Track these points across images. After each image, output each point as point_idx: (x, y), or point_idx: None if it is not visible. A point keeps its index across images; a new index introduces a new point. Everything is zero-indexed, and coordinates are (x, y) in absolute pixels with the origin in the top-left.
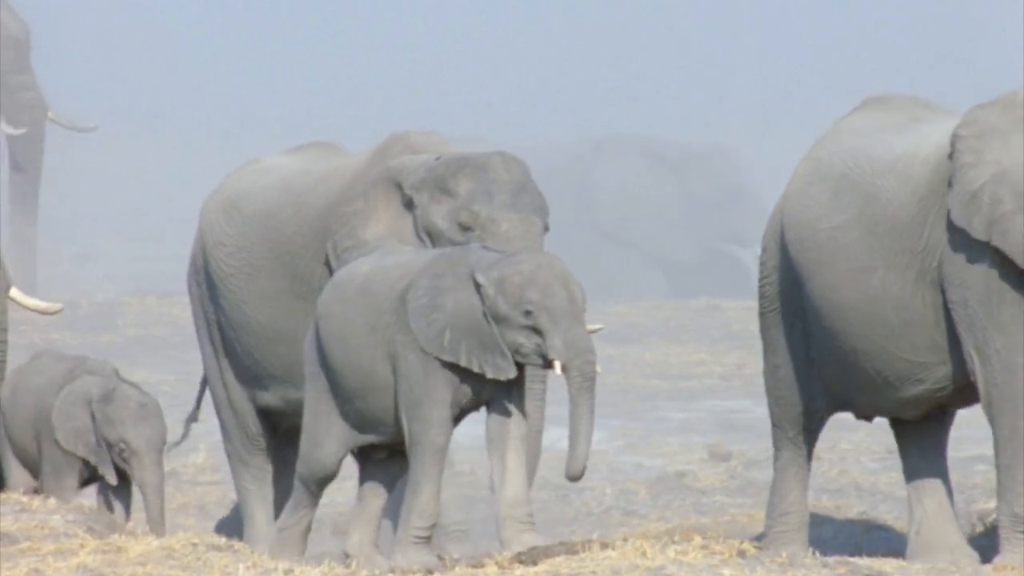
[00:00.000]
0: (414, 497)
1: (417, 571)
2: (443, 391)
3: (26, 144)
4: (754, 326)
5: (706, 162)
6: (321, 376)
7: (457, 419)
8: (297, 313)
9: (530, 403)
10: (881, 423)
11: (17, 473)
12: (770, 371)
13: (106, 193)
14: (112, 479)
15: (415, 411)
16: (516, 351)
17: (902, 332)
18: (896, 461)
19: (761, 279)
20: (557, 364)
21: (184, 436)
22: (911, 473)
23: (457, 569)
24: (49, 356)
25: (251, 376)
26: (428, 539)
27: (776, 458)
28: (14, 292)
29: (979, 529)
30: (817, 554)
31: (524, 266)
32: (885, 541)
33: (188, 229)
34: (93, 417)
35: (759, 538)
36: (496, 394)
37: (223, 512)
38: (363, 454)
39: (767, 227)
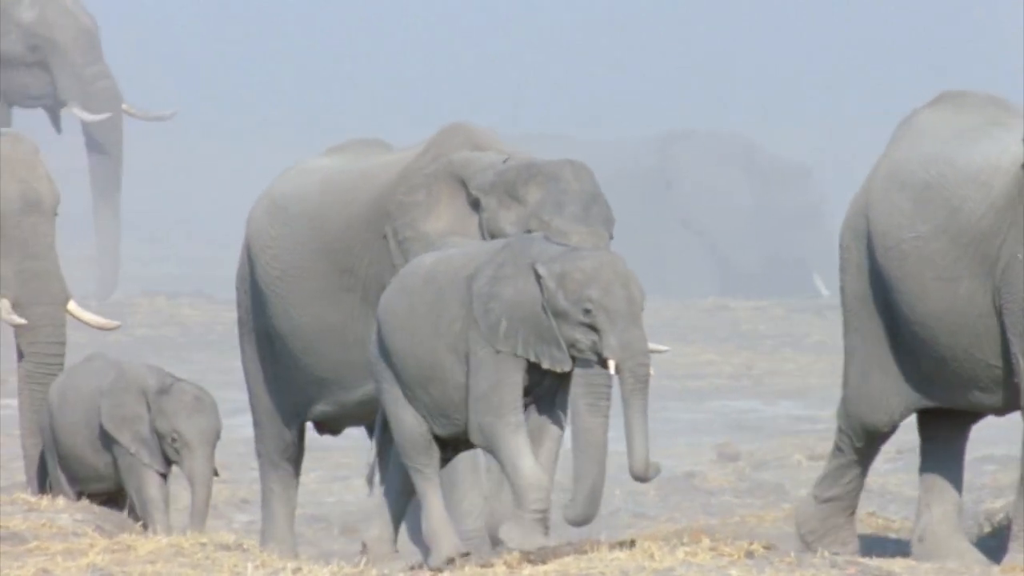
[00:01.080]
0: (517, 475)
1: (524, 551)
2: (514, 375)
3: (106, 131)
4: (763, 326)
5: (789, 176)
6: (386, 368)
7: None
8: (344, 306)
9: (596, 418)
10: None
11: (61, 477)
12: (859, 374)
13: None
14: (160, 468)
15: (485, 402)
16: (572, 346)
17: (988, 339)
18: (905, 462)
19: (842, 279)
20: (611, 363)
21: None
22: (926, 475)
23: (466, 568)
24: (100, 359)
25: (301, 383)
26: (546, 512)
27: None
28: (72, 306)
29: (987, 529)
30: (826, 554)
31: (586, 263)
32: (895, 541)
33: (197, 231)
34: (148, 408)
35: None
36: (547, 389)
37: (232, 511)
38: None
39: (844, 224)
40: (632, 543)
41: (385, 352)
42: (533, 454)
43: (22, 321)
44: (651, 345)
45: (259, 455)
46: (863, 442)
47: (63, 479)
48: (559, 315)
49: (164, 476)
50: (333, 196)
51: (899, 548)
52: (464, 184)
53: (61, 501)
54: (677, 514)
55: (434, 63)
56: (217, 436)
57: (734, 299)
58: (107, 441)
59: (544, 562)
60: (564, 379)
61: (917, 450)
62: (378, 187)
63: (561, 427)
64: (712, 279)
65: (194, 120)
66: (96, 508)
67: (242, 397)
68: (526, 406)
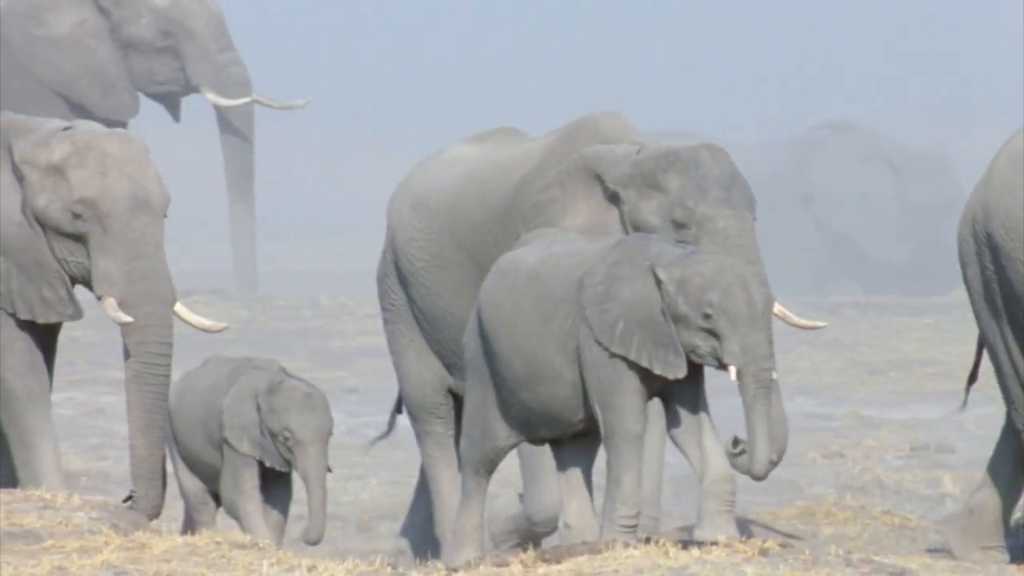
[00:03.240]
0: (616, 487)
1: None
2: (633, 378)
3: (239, 118)
4: (779, 324)
5: (928, 169)
6: (484, 364)
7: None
8: None
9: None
10: (906, 420)
11: (186, 477)
12: (1004, 371)
13: None
14: (282, 467)
15: (607, 401)
16: (692, 351)
17: None
18: (920, 460)
19: (965, 274)
20: (732, 369)
21: (389, 428)
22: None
23: (481, 567)
24: (215, 360)
25: (447, 366)
26: (634, 527)
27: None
28: (179, 308)
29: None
30: (841, 552)
31: (706, 267)
32: (909, 539)
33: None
34: (259, 409)
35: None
36: (674, 385)
37: None
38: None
39: (962, 218)
40: (646, 541)
41: (486, 348)
42: (640, 467)
43: (128, 319)
44: (808, 321)
45: (425, 456)
46: None
47: (185, 481)
48: (679, 320)
49: (266, 473)
50: (470, 188)
51: (914, 546)
52: (599, 178)
53: (77, 499)
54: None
55: (552, 60)
56: (329, 433)
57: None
58: (220, 440)
59: (559, 561)
60: (694, 376)
61: (932, 448)
62: (511, 180)
63: (707, 413)
64: (855, 277)
65: (204, 117)
66: (111, 506)
67: None
68: (655, 397)
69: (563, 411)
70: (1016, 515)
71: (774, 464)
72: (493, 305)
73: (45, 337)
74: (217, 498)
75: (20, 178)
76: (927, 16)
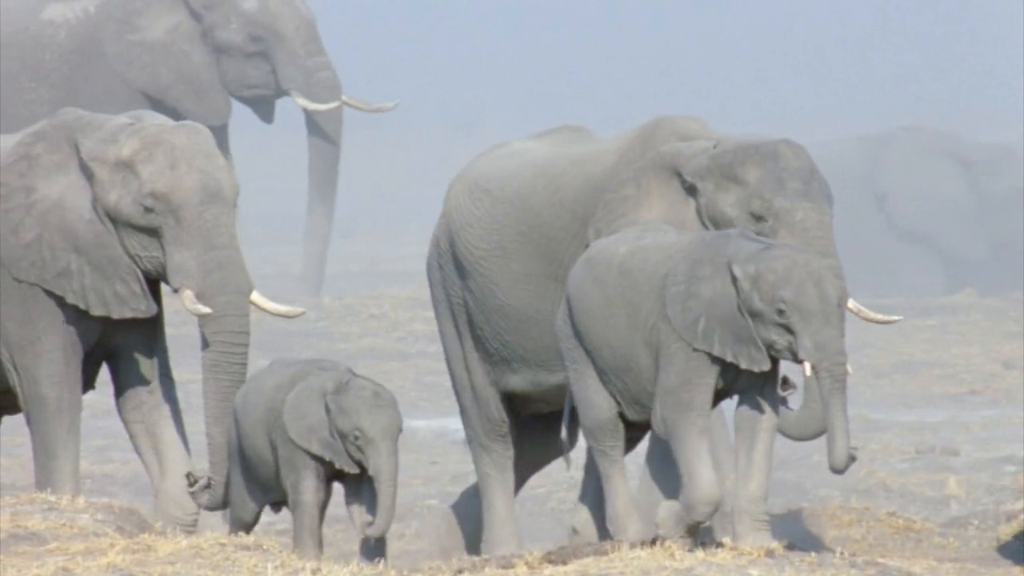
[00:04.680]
0: (689, 484)
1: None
2: (706, 375)
3: (328, 122)
4: None
5: (997, 161)
6: (579, 350)
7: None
8: (552, 295)
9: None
10: (911, 423)
11: (239, 478)
12: None
13: None
14: (352, 469)
15: (673, 397)
16: (769, 347)
17: None
18: (925, 462)
19: None
20: (807, 365)
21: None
22: None
23: (487, 569)
24: (281, 362)
25: (499, 359)
26: (710, 517)
27: None
28: (255, 296)
29: (1008, 530)
30: (846, 554)
31: (779, 263)
32: (914, 542)
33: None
34: (327, 409)
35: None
36: (750, 384)
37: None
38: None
39: None
40: (652, 542)
41: (578, 336)
42: (710, 458)
43: (207, 310)
44: (883, 316)
45: (468, 440)
46: None
47: (245, 486)
48: (755, 316)
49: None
50: (542, 181)
51: (919, 549)
52: (676, 173)
53: (82, 501)
54: None
55: (649, 62)
56: (399, 431)
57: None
58: (282, 441)
59: (564, 562)
60: (768, 374)
61: (938, 450)
62: (587, 177)
63: (773, 420)
64: (933, 278)
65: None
66: (116, 508)
67: None
68: (728, 396)
69: (648, 401)
70: (1021, 516)
71: (853, 459)
72: (583, 295)
73: (140, 336)
74: (275, 507)
75: (89, 175)
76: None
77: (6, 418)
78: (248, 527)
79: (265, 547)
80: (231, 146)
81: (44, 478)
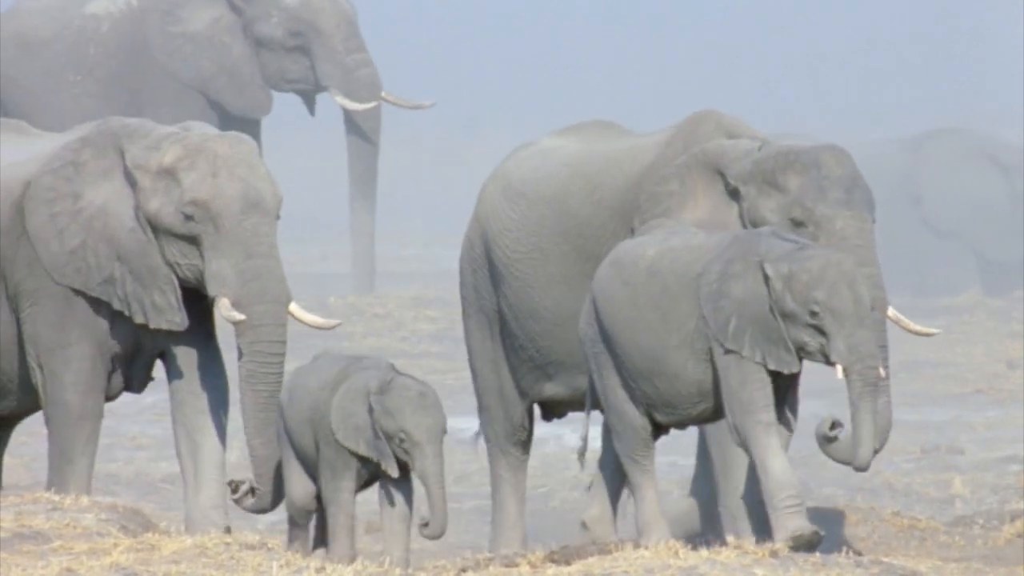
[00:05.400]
0: (766, 475)
1: (793, 539)
2: (759, 371)
3: (367, 119)
4: None
5: None
6: (604, 352)
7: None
8: (587, 293)
9: (881, 399)
10: (916, 422)
11: (296, 477)
12: None
13: None
14: (394, 472)
15: (736, 400)
16: (801, 348)
17: None
18: (930, 461)
19: None
20: (839, 368)
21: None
22: None
23: (491, 568)
24: (326, 357)
25: (533, 367)
26: (800, 506)
27: None
28: (293, 307)
29: (1013, 530)
30: (851, 554)
31: (813, 264)
32: (919, 541)
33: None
34: (371, 409)
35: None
36: (779, 389)
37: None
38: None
39: None
40: (657, 541)
41: (605, 338)
42: (782, 450)
43: (241, 317)
44: (923, 327)
45: (487, 440)
46: None
47: (294, 482)
48: (787, 316)
49: (391, 477)
50: (579, 180)
51: (924, 548)
52: (720, 173)
53: (86, 500)
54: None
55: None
56: (444, 431)
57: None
58: (326, 441)
59: (568, 562)
60: (795, 377)
61: (943, 450)
62: (626, 174)
63: (790, 428)
64: (969, 279)
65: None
66: (120, 507)
67: None
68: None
69: (681, 403)
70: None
71: (875, 453)
72: (609, 297)
73: (189, 339)
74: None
75: (132, 183)
76: None
77: None
78: (307, 513)
79: (270, 546)
80: (263, 141)
81: (57, 481)
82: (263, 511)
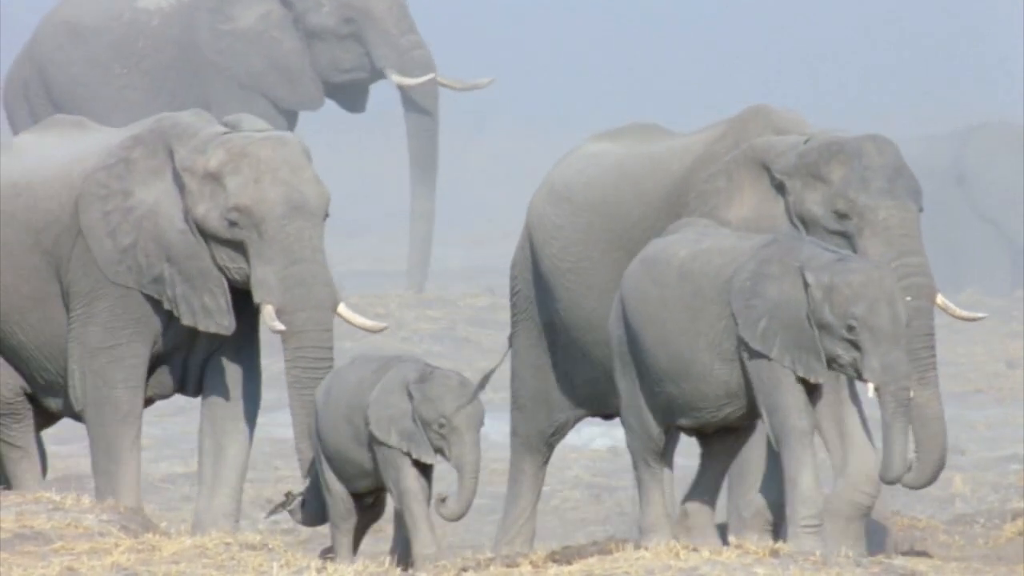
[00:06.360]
0: (793, 488)
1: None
2: (791, 375)
3: (424, 99)
4: None
5: None
6: (628, 353)
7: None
8: None
9: (927, 390)
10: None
11: (331, 483)
12: None
13: None
14: (430, 459)
15: (770, 401)
16: (832, 360)
17: None
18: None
19: None
20: (870, 386)
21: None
22: None
23: (492, 568)
24: (362, 358)
25: (585, 379)
26: (818, 527)
27: None
28: (342, 309)
29: (1014, 529)
30: (851, 554)
31: (855, 278)
32: (919, 540)
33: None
34: (410, 396)
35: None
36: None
37: (257, 511)
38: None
39: None
40: (657, 542)
41: (631, 337)
42: (812, 462)
43: (281, 327)
44: (969, 313)
45: (514, 436)
46: None
47: (332, 479)
48: (822, 327)
49: (428, 467)
50: (625, 184)
51: (924, 547)
52: (767, 169)
53: (87, 500)
54: None
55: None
56: (482, 421)
57: None
58: (369, 436)
59: (569, 562)
60: (817, 387)
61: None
62: (673, 174)
63: (857, 405)
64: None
65: None
66: (121, 507)
67: (267, 396)
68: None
69: (707, 407)
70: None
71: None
72: (638, 296)
73: (233, 345)
74: (358, 498)
75: (181, 185)
76: None
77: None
78: (347, 518)
79: (271, 546)
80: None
81: (104, 483)
82: (313, 524)
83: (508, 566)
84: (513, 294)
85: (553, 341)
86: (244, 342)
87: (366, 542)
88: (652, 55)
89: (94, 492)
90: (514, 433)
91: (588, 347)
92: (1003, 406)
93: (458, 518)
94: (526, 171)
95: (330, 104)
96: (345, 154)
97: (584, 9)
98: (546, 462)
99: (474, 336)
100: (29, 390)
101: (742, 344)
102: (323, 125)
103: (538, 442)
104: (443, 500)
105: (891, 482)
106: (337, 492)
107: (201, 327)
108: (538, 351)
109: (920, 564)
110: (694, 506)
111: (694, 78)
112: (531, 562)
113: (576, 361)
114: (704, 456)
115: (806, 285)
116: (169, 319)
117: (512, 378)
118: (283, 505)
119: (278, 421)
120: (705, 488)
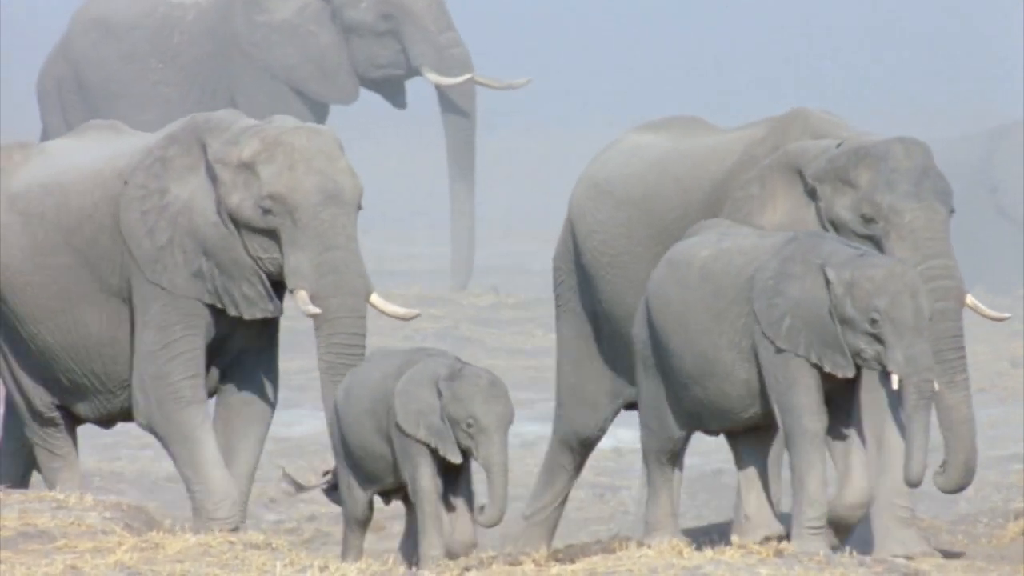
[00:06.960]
0: (800, 489)
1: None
2: (807, 376)
3: (461, 97)
4: None
5: None
6: (653, 356)
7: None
8: None
9: (957, 394)
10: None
11: (349, 483)
12: None
13: None
14: (456, 458)
15: (784, 400)
16: (856, 355)
17: None
18: (934, 459)
19: None
20: (894, 378)
21: None
22: None
23: (494, 566)
24: (381, 352)
25: (624, 370)
26: (822, 529)
27: None
28: (374, 298)
29: (1016, 528)
30: (855, 553)
31: (876, 271)
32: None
33: None
34: (439, 394)
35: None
36: (840, 392)
37: (260, 510)
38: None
39: None
40: (660, 540)
41: (656, 340)
42: (821, 464)
43: (316, 310)
44: (997, 313)
45: (555, 432)
46: None
47: (354, 484)
48: (845, 322)
49: (454, 467)
50: (668, 181)
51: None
52: (800, 174)
53: (90, 499)
54: (706, 511)
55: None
56: (511, 422)
57: None
58: (391, 430)
59: (572, 560)
60: (855, 382)
61: (944, 449)
62: (713, 176)
63: (863, 441)
64: None
65: None
66: (124, 506)
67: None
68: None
69: (733, 407)
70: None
71: (969, 472)
72: (662, 298)
73: (254, 346)
74: (384, 496)
75: (214, 178)
76: None
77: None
78: (361, 521)
79: (274, 546)
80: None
81: (191, 472)
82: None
83: (511, 564)
84: (557, 286)
85: (597, 331)
86: (266, 344)
87: (368, 540)
88: (652, 55)
89: (95, 489)
90: (555, 431)
91: (630, 340)
92: (1007, 405)
93: (496, 523)
94: (526, 171)
95: (334, 106)
96: (346, 154)
97: (584, 9)
98: (585, 458)
99: (477, 335)
100: (57, 401)
101: (759, 342)
102: (329, 125)
103: (578, 444)
104: (481, 508)
105: (913, 484)
106: (357, 497)
107: (247, 316)
108: (580, 342)
109: (923, 563)
110: (752, 507)
111: (694, 78)
112: (534, 560)
113: (619, 352)
114: (743, 457)
115: (827, 282)
116: (214, 314)
117: (557, 372)
118: (319, 485)
119: (283, 420)
120: (757, 485)
